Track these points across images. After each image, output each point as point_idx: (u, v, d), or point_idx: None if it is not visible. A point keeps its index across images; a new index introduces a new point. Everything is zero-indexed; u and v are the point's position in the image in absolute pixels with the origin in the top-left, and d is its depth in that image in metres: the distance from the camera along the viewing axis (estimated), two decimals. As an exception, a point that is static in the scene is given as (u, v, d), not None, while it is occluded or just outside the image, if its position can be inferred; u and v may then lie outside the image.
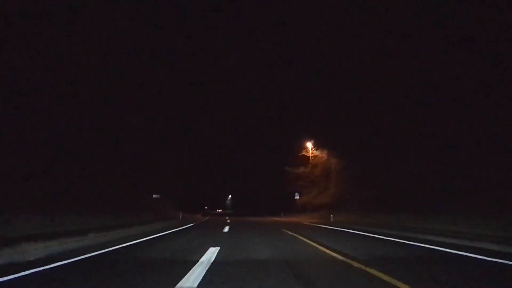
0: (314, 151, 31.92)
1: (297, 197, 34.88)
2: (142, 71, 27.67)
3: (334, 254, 5.46)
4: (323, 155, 31.07)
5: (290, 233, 10.45)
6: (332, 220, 19.74)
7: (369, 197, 25.28)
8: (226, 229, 12.56)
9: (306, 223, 19.53)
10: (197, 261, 4.67)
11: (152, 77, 30.40)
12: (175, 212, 29.12)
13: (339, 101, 29.66)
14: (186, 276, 3.61)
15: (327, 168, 30.58)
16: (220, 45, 49.34)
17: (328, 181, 30.77)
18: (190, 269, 4.03)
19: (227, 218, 30.27)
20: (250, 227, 14.60)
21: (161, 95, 33.53)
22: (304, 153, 32.23)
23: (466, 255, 5.43)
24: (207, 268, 4.12)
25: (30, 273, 3.80)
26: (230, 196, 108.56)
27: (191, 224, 16.44)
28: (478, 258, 5.11)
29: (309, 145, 32.24)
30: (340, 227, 13.75)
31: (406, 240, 7.84)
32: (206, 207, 78.21)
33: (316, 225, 16.53)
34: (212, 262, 4.60)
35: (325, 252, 5.79)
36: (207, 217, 32.99)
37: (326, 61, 31.50)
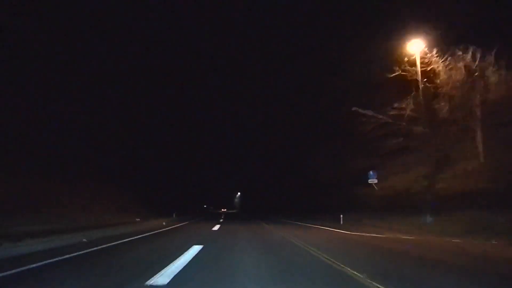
0: (432, 58, 12.71)
1: (373, 180, 16.22)
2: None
3: None
4: (455, 66, 12.17)
5: None
6: None
7: None
8: None
9: None
10: None
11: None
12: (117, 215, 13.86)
13: None
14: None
15: (465, 102, 11.87)
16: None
17: (467, 133, 12.16)
18: None
19: (216, 225, 15.30)
20: None
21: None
22: (401, 72, 13.18)
23: None
24: None
25: None
26: (239, 193, 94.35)
27: None
28: None
29: (416, 48, 13.06)
30: None
31: None
32: (205, 206, 68.30)
33: None
34: None
35: None
36: (184, 223, 17.08)
37: None
